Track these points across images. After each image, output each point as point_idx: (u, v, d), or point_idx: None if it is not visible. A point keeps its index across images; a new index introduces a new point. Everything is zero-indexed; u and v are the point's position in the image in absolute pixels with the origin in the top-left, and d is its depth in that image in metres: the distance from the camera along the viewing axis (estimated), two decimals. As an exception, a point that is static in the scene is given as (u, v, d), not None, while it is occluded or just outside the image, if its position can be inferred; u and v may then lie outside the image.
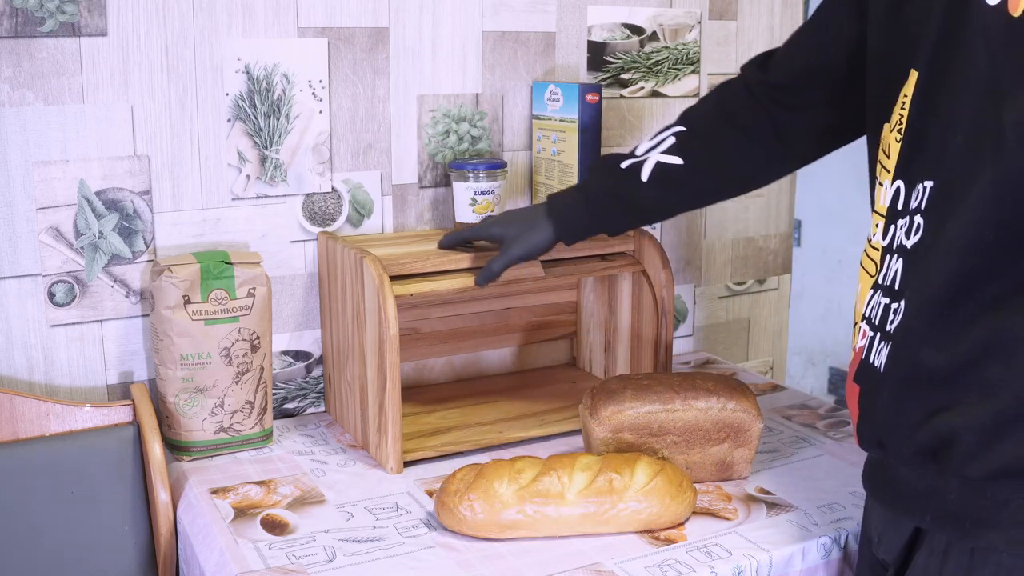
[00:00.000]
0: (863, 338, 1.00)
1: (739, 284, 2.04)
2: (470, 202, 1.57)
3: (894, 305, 0.95)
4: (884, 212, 0.99)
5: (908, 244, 0.94)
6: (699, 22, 1.86)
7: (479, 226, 1.43)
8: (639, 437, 1.33)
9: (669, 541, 1.21)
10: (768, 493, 1.34)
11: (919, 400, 0.92)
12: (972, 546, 0.91)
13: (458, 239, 1.47)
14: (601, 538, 1.21)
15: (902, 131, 0.96)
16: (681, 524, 1.25)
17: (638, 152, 1.31)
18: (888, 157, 0.99)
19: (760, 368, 2.11)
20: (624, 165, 1.30)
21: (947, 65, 0.91)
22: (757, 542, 1.21)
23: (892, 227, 0.97)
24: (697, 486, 1.35)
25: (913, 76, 0.95)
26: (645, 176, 1.28)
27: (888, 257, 0.98)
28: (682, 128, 1.29)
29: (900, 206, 0.96)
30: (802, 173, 2.08)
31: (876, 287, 0.99)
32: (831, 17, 1.16)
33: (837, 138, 1.23)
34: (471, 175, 1.56)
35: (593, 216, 1.35)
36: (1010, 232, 0.84)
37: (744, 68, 1.28)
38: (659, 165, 1.27)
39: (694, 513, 1.27)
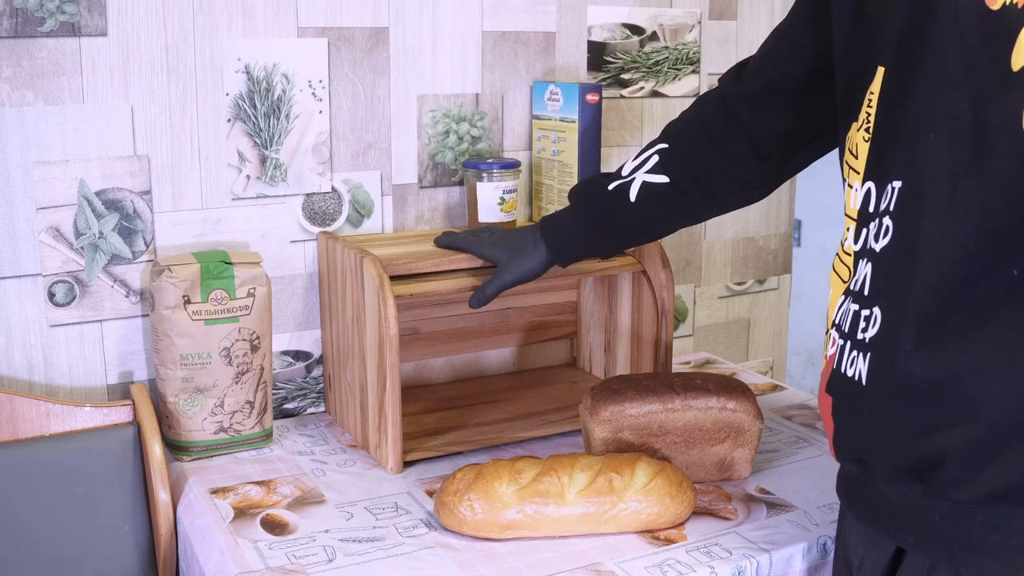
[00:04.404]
0: (833, 346, 0.96)
1: (739, 284, 2.04)
2: (499, 201, 1.58)
3: (865, 312, 0.91)
4: (855, 215, 0.95)
5: (877, 248, 0.90)
6: (699, 22, 1.86)
7: (475, 243, 1.45)
8: (639, 437, 1.33)
9: (669, 541, 1.21)
10: (768, 493, 1.34)
11: (904, 418, 0.88)
12: (958, 569, 0.87)
13: (453, 245, 1.48)
14: (601, 538, 1.21)
15: (870, 130, 0.93)
16: (681, 524, 1.25)
17: (624, 172, 1.31)
18: (856, 157, 0.96)
19: (760, 368, 2.11)
20: (611, 187, 1.31)
21: (915, 59, 0.87)
22: (757, 542, 1.21)
23: (864, 231, 0.93)
24: (697, 486, 1.35)
25: (880, 72, 0.92)
26: (633, 197, 1.28)
27: (859, 262, 0.94)
28: (664, 145, 1.28)
29: (871, 208, 0.92)
30: (802, 173, 2.08)
31: (847, 292, 0.95)
32: (793, 25, 1.15)
33: (814, 147, 1.22)
34: (495, 174, 1.57)
35: (585, 240, 1.37)
36: (997, 238, 0.80)
37: (720, 79, 1.26)
38: (645, 185, 1.27)
39: (694, 513, 1.27)
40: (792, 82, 1.16)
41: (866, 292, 0.91)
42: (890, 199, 0.90)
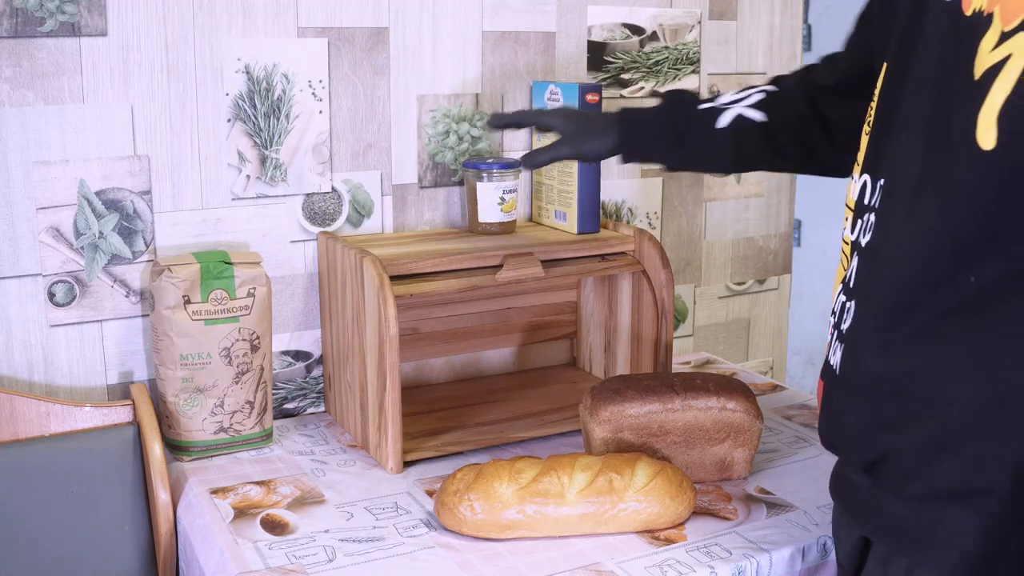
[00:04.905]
0: (829, 334, 1.00)
1: (739, 284, 2.04)
2: (499, 201, 1.58)
3: (848, 304, 0.94)
4: (853, 206, 0.98)
5: (863, 242, 0.93)
6: (699, 22, 1.86)
7: (536, 113, 1.40)
8: (639, 437, 1.33)
9: (669, 541, 1.21)
10: (768, 493, 1.34)
11: (863, 410, 0.91)
12: (908, 562, 0.90)
13: (512, 121, 1.41)
14: (601, 538, 1.21)
15: (871, 123, 0.95)
16: (681, 524, 1.25)
17: (719, 101, 1.28)
18: (859, 150, 0.98)
19: (760, 368, 2.11)
20: (701, 107, 1.28)
21: (908, 58, 0.89)
22: (757, 542, 1.21)
23: (859, 222, 0.96)
24: (697, 486, 1.35)
25: (884, 68, 0.94)
26: (722, 123, 1.25)
27: (853, 253, 0.97)
28: (772, 88, 1.27)
29: (866, 201, 0.95)
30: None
31: (843, 283, 0.98)
32: (858, 22, 1.15)
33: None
34: (495, 174, 1.57)
35: (656, 143, 1.31)
36: (955, 246, 0.81)
37: (817, 64, 1.26)
38: (740, 116, 1.25)
39: (694, 513, 1.27)
40: (854, 77, 1.16)
41: (851, 284, 0.94)
42: (878, 196, 0.92)
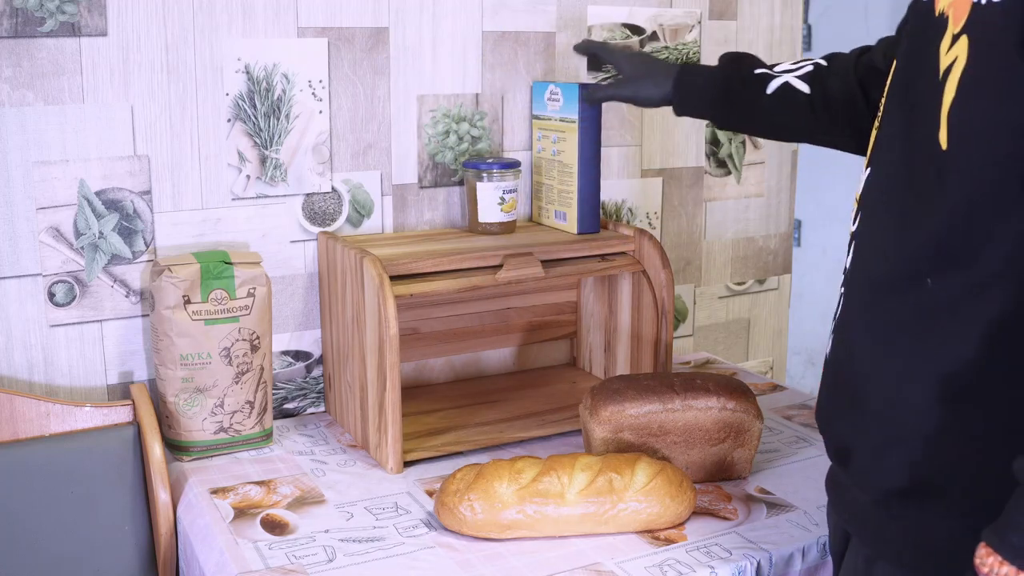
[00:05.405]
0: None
1: (739, 284, 2.04)
2: (499, 201, 1.58)
3: (841, 294, 0.96)
4: (857, 199, 0.99)
5: (857, 235, 0.95)
6: (699, 22, 1.86)
7: (615, 50, 1.52)
8: (639, 437, 1.33)
9: (669, 541, 1.21)
10: (768, 493, 1.34)
11: (835, 402, 0.93)
12: (868, 551, 0.91)
13: (594, 49, 1.55)
14: (601, 538, 1.21)
15: (879, 118, 0.97)
16: (681, 524, 1.25)
17: (775, 68, 1.32)
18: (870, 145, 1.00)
19: (760, 368, 2.11)
20: (756, 71, 1.33)
21: (899, 55, 0.91)
22: (757, 542, 1.21)
23: (859, 214, 0.98)
24: (697, 486, 1.35)
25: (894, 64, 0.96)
26: (770, 90, 1.30)
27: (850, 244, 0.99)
28: (822, 63, 1.29)
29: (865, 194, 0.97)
30: (802, 173, 2.09)
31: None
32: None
33: None
34: (495, 174, 1.58)
35: (707, 100, 1.37)
36: (917, 250, 0.82)
37: (873, 44, 1.27)
38: (786, 85, 1.29)
39: (694, 513, 1.27)
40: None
41: (846, 275, 0.96)
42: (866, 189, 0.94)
